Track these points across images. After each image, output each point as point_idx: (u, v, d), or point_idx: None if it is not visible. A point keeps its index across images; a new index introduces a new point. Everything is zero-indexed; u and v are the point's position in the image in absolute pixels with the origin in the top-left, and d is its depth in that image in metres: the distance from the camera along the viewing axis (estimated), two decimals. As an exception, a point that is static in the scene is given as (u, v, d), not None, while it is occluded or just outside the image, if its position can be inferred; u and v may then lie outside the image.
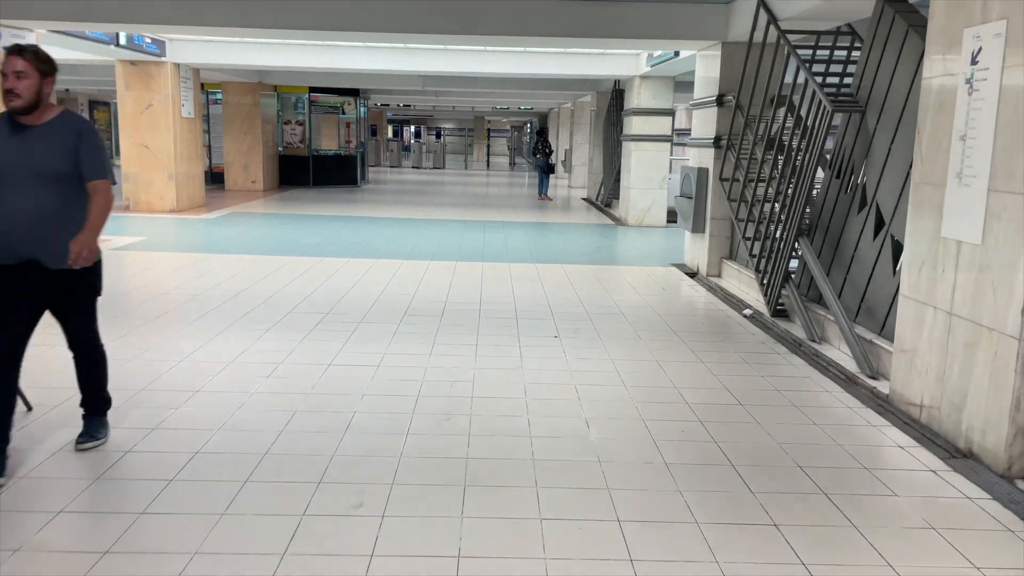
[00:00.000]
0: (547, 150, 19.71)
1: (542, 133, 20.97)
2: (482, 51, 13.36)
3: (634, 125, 13.83)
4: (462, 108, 37.31)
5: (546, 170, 19.64)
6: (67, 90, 25.36)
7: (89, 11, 8.23)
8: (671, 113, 13.88)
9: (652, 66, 12.52)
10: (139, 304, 6.67)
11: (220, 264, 8.74)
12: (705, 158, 8.85)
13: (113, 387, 3.86)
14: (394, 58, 13.58)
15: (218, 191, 18.43)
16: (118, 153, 13.61)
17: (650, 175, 13.86)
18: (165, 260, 9.05)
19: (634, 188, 13.90)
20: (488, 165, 38.84)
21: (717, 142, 8.55)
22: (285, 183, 20.32)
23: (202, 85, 19.52)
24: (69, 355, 3.67)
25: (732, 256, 8.60)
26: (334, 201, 17.00)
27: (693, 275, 8.95)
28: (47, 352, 4.74)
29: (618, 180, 15.39)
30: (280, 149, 20.36)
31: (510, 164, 40.28)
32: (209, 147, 20.09)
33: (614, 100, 16.43)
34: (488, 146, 42.80)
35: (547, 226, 13.98)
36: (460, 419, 4.14)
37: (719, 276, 8.68)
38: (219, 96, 19.01)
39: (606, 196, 16.81)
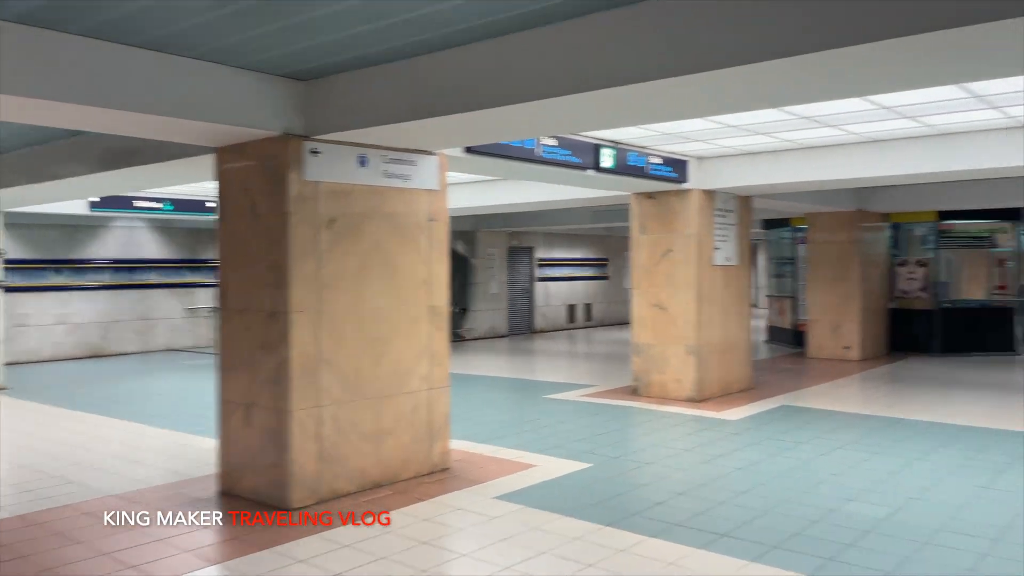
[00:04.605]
0: None
1: None
2: None
3: None
4: None
5: None
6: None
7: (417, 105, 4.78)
8: None
9: None
10: None
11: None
12: None
13: None
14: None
15: (796, 360, 13.55)
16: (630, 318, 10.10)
17: None
18: None
19: None
20: None
21: None
22: (898, 348, 14.21)
23: (788, 221, 15.32)
24: None
25: None
26: (967, 384, 10.42)
27: None
28: None
29: None
30: (892, 303, 14.45)
31: None
32: (794, 299, 15.47)
33: None
34: None
35: None
36: None
37: None
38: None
39: None
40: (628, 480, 6.15)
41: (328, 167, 5.52)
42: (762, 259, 24.29)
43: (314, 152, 5.43)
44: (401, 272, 6.00)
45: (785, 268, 16.10)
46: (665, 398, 9.47)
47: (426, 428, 6.18)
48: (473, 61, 4.64)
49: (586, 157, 7.68)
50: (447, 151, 6.35)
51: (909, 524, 4.99)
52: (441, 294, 6.31)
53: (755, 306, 24.82)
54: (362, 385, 5.74)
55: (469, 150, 6.58)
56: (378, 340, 5.85)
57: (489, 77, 4.61)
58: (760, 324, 17.82)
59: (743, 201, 10.16)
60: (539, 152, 7.16)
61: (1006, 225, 14.39)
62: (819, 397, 9.76)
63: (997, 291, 14.50)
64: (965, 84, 5.89)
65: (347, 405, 5.64)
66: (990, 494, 5.63)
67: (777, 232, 16.25)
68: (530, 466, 6.44)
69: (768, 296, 17.67)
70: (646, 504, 5.47)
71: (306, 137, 5.41)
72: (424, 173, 6.13)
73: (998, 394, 9.92)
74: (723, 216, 9.76)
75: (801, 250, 14.88)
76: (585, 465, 6.51)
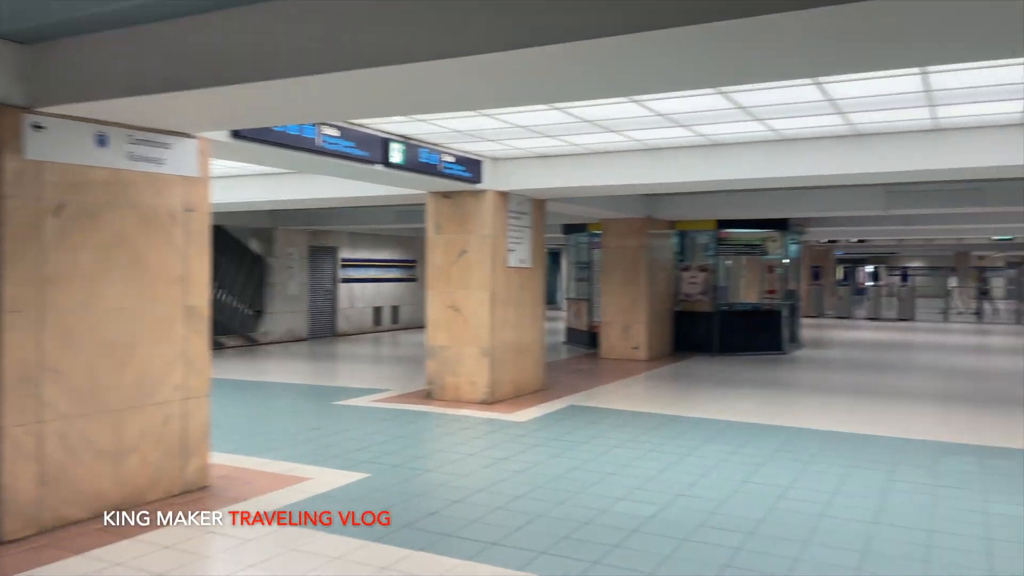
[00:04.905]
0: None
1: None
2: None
3: None
4: (942, 241, 28.71)
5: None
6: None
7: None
8: None
9: None
10: None
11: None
12: None
13: None
14: (843, 153, 7.73)
15: (589, 360, 13.97)
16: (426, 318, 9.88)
17: None
18: None
19: None
20: (979, 315, 28.83)
21: None
22: (682, 348, 15.08)
23: (586, 226, 15.79)
24: None
25: None
26: (739, 383, 11.16)
27: None
28: None
29: None
30: (677, 305, 15.29)
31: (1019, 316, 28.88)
32: (590, 302, 15.98)
33: None
34: (983, 291, 32.22)
35: None
36: None
37: None
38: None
39: None
40: (405, 490, 5.86)
41: (56, 145, 4.78)
42: (566, 263, 25.00)
43: (37, 127, 4.68)
44: (151, 268, 5.35)
45: (583, 272, 16.60)
46: (459, 401, 9.32)
47: (179, 443, 5.55)
48: (228, 29, 4.16)
49: (373, 151, 7.33)
50: (209, 134, 5.75)
51: (673, 521, 5.09)
52: (200, 293, 5.70)
53: (559, 309, 25.58)
54: (99, 396, 5.03)
55: (236, 134, 6.02)
56: (120, 345, 5.16)
57: (246, 48, 4.15)
58: (562, 326, 18.29)
59: (537, 204, 10.25)
60: (319, 142, 6.72)
61: (776, 234, 15.72)
62: (605, 396, 10.03)
63: (767, 295, 15.78)
64: (729, 95, 6.16)
65: (79, 420, 4.92)
66: (749, 487, 5.91)
67: (576, 237, 16.73)
68: (302, 479, 5.98)
69: (568, 299, 18.17)
70: (419, 514, 5.21)
71: (27, 109, 4.64)
72: (180, 157, 5.51)
73: (764, 391, 10.69)
74: (517, 218, 9.77)
75: (597, 255, 15.38)
76: (363, 475, 6.15)
